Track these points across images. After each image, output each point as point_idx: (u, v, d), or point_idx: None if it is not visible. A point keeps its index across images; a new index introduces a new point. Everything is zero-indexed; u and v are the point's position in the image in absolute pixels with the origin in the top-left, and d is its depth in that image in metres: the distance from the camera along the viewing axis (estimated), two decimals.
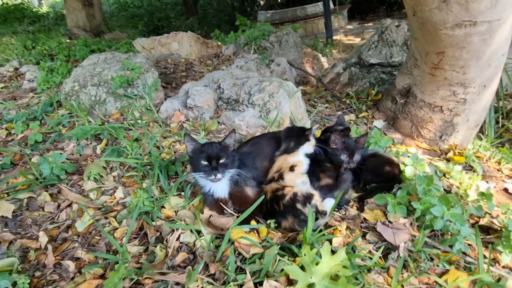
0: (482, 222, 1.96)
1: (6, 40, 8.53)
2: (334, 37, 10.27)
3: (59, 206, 2.07)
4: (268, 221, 1.83)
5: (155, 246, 1.71)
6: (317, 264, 1.38)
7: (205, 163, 1.81)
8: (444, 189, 2.20)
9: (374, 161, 2.21)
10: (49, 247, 1.73)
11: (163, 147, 2.55)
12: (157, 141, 2.60)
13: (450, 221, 1.72)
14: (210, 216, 1.85)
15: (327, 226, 1.81)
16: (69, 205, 2.07)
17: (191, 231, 1.75)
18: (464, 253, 1.69)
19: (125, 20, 16.18)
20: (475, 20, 2.04)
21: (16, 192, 2.13)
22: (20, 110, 3.23)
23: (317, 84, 4.03)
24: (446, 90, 2.58)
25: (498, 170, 2.73)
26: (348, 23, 15.46)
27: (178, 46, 7.05)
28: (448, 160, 2.72)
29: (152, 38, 7.15)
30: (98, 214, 1.96)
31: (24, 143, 2.72)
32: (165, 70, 5.19)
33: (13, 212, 2.00)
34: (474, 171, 2.52)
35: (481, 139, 3.01)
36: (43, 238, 1.81)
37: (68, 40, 8.53)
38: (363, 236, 1.78)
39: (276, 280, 1.43)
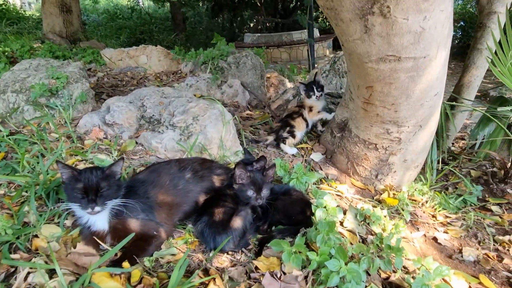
0: (393, 278, 1.75)
1: None
2: (316, 65, 10.27)
3: None
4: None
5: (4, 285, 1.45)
6: None
7: (81, 193, 1.57)
8: (361, 237, 2.00)
9: (286, 199, 2.00)
10: None
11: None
12: (62, 158, 2.34)
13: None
14: (69, 253, 1.59)
15: (206, 273, 1.57)
16: None
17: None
18: None
19: (110, 30, 16.08)
20: (399, 55, 1.89)
21: None
22: None
23: (265, 110, 3.85)
24: (380, 128, 2.42)
25: (433, 216, 2.55)
26: (333, 52, 15.68)
27: (146, 59, 6.86)
28: (380, 202, 2.53)
29: (120, 50, 6.94)
30: None
31: None
32: (118, 83, 4.97)
33: None
34: (402, 216, 2.33)
35: (423, 181, 2.85)
36: None
37: (38, 45, 8.29)
38: None
39: None
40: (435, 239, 2.30)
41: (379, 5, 1.72)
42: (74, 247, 1.68)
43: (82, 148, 2.51)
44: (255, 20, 18.17)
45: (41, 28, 11.02)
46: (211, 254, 1.71)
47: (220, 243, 1.68)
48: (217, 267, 1.65)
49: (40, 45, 8.21)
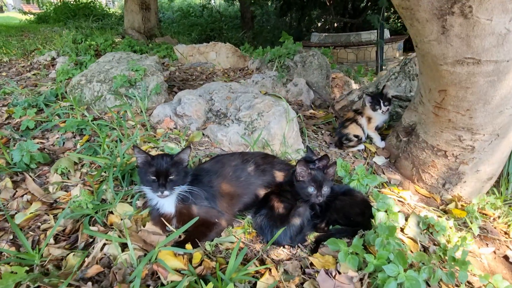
0: None
1: (65, 33, 9.11)
2: (384, 67, 9.92)
3: (14, 194, 2.06)
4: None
5: (82, 252, 1.63)
6: None
7: (153, 177, 1.71)
8: (423, 246, 1.92)
9: (345, 200, 1.98)
10: None
11: None
12: (137, 144, 2.54)
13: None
14: (139, 230, 1.73)
15: (262, 263, 1.62)
16: (23, 195, 2.05)
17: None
18: None
19: (183, 27, 16.89)
20: (478, 58, 1.78)
21: None
22: (29, 96, 3.35)
23: (328, 110, 3.82)
24: (451, 134, 2.29)
25: (505, 233, 2.36)
26: (403, 54, 14.96)
27: (215, 56, 7.11)
28: (445, 212, 2.40)
29: (191, 46, 7.27)
30: (42, 210, 1.92)
31: (17, 128, 2.79)
32: (189, 77, 5.23)
33: None
34: (470, 230, 2.19)
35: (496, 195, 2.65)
36: None
37: (119, 39, 8.97)
38: (302, 283, 1.56)
39: None
40: (506, 257, 2.14)
41: (460, 5, 1.64)
42: (144, 226, 1.84)
43: (155, 136, 2.71)
44: (323, 20, 17.91)
45: (122, 24, 11.88)
46: (267, 246, 1.76)
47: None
48: (273, 259, 1.69)
49: (120, 39, 8.87)
